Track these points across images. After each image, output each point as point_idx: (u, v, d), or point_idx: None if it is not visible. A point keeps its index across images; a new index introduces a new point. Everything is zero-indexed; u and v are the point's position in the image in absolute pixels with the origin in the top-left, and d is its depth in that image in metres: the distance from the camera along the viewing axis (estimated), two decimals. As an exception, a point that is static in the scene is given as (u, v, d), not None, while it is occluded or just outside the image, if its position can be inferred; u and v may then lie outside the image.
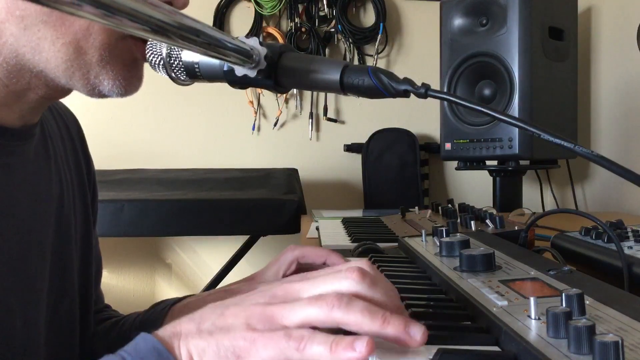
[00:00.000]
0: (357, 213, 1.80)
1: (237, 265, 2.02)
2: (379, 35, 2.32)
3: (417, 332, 0.47)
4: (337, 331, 0.49)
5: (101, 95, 0.64)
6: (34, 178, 0.69)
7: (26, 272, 0.65)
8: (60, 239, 0.73)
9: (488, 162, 1.95)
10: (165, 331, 0.51)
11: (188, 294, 0.90)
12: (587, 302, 0.50)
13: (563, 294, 0.48)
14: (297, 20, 2.33)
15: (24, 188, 0.67)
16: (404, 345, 0.47)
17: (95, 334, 0.87)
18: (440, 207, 1.24)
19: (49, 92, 0.64)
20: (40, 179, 0.70)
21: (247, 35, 0.65)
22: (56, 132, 0.78)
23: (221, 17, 2.32)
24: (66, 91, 0.66)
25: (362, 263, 0.53)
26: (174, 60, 0.67)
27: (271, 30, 2.33)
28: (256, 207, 1.73)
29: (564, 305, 0.47)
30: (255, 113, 2.37)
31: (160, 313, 0.83)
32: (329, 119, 2.39)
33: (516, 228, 0.95)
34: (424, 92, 0.60)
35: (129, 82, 0.64)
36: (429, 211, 1.25)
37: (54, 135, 0.77)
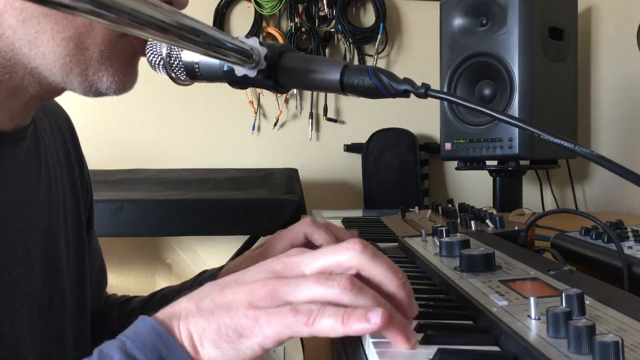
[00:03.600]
0: (357, 213, 1.80)
1: (237, 265, 2.02)
2: (379, 35, 2.32)
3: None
4: None
5: (97, 93, 0.63)
6: (24, 181, 0.68)
7: (13, 276, 0.64)
8: (50, 242, 0.72)
9: (488, 162, 1.95)
10: (164, 312, 0.50)
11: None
12: (587, 302, 0.50)
13: (563, 294, 0.48)
14: (297, 20, 2.33)
15: (13, 191, 0.66)
16: (395, 344, 0.47)
17: (130, 313, 0.87)
18: (440, 207, 1.24)
19: (41, 90, 0.63)
20: (30, 182, 0.69)
21: (247, 35, 0.65)
22: (48, 131, 0.77)
23: (221, 17, 2.32)
24: (59, 90, 0.65)
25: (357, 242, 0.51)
26: (174, 60, 0.67)
27: (271, 30, 2.33)
28: (256, 207, 1.73)
29: (564, 305, 0.47)
30: (255, 113, 2.37)
31: (210, 279, 0.81)
32: (329, 119, 2.39)
33: (516, 228, 0.95)
34: (424, 92, 0.60)
35: (126, 80, 0.63)
36: (429, 211, 1.26)
37: (46, 135, 0.76)
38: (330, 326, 0.44)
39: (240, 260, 0.84)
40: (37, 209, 0.70)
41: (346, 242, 0.50)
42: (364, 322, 0.44)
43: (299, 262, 0.51)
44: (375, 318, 0.44)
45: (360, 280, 0.49)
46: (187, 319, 0.48)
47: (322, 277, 0.47)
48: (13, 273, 0.65)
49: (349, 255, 0.49)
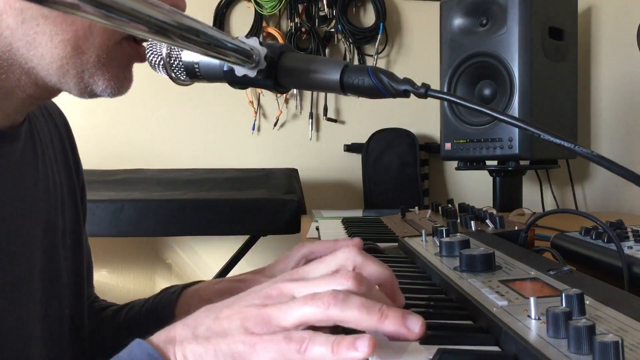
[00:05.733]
0: (357, 213, 1.80)
1: (237, 265, 2.02)
2: (379, 35, 2.32)
3: (415, 324, 0.46)
4: (336, 328, 0.48)
5: (92, 95, 0.63)
6: (22, 179, 0.68)
7: (15, 273, 0.65)
8: (50, 238, 0.72)
9: (488, 162, 1.95)
10: (159, 337, 0.50)
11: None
12: (587, 302, 0.50)
13: (563, 294, 0.47)
14: (297, 20, 2.33)
15: (11, 190, 0.66)
16: (403, 339, 0.47)
17: (101, 322, 0.88)
18: (440, 207, 1.24)
19: (37, 91, 0.63)
20: (28, 180, 0.70)
21: (247, 35, 0.65)
22: (45, 130, 0.77)
23: (221, 17, 2.32)
24: (55, 91, 0.65)
25: (352, 245, 0.54)
26: (174, 60, 0.67)
27: (271, 30, 2.33)
28: (256, 207, 1.73)
29: (564, 305, 0.47)
30: (255, 113, 2.37)
31: (172, 296, 0.83)
32: (329, 119, 2.39)
33: (516, 228, 0.95)
34: (424, 92, 0.60)
35: (122, 84, 0.64)
36: (429, 211, 1.25)
37: (43, 134, 0.76)
38: (321, 354, 0.45)
39: (213, 283, 0.85)
40: (36, 206, 0.70)
41: (341, 275, 0.50)
42: (352, 349, 0.44)
43: (293, 288, 0.51)
44: (363, 346, 0.44)
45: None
46: (182, 345, 0.49)
47: (308, 297, 0.48)
48: (15, 270, 0.65)
49: (340, 283, 0.49)
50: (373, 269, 0.53)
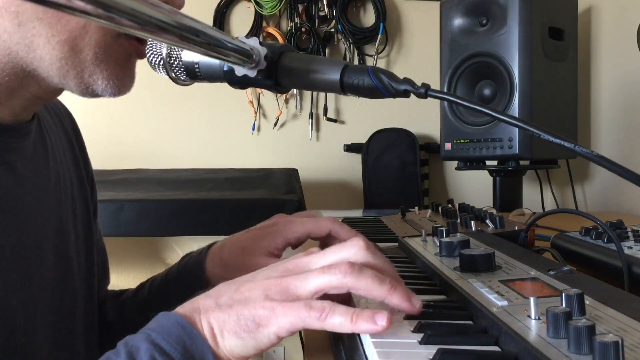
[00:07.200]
0: (357, 213, 1.80)
1: (237, 265, 2.02)
2: (379, 35, 2.32)
3: (417, 301, 0.52)
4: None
5: (94, 94, 0.63)
6: (34, 175, 0.69)
7: (27, 269, 0.65)
8: (61, 235, 0.73)
9: (488, 162, 1.95)
10: (184, 308, 0.53)
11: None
12: (587, 302, 0.50)
13: (563, 294, 0.48)
14: (297, 20, 2.33)
15: (24, 185, 0.67)
16: (404, 311, 0.52)
17: (123, 303, 0.91)
18: (440, 207, 1.24)
19: (40, 91, 0.64)
20: (39, 175, 0.70)
21: (247, 35, 0.65)
22: (52, 127, 0.78)
23: (221, 17, 2.32)
24: (58, 91, 0.66)
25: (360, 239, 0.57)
26: (174, 60, 0.68)
27: (271, 30, 2.33)
28: (256, 207, 1.73)
29: (564, 305, 0.47)
30: (255, 113, 2.37)
31: (199, 257, 0.83)
32: (329, 119, 2.39)
33: (516, 228, 0.95)
34: (424, 92, 0.60)
35: (122, 82, 0.64)
36: (429, 211, 1.25)
37: (51, 131, 0.76)
38: (339, 324, 0.49)
39: (238, 235, 0.86)
40: (47, 202, 0.71)
41: (349, 240, 0.55)
42: (371, 323, 0.48)
43: (309, 260, 0.55)
44: (382, 321, 0.48)
45: None
46: (207, 313, 0.52)
47: (325, 267, 0.52)
48: (27, 266, 0.65)
49: (355, 250, 0.54)
50: (379, 262, 0.55)
